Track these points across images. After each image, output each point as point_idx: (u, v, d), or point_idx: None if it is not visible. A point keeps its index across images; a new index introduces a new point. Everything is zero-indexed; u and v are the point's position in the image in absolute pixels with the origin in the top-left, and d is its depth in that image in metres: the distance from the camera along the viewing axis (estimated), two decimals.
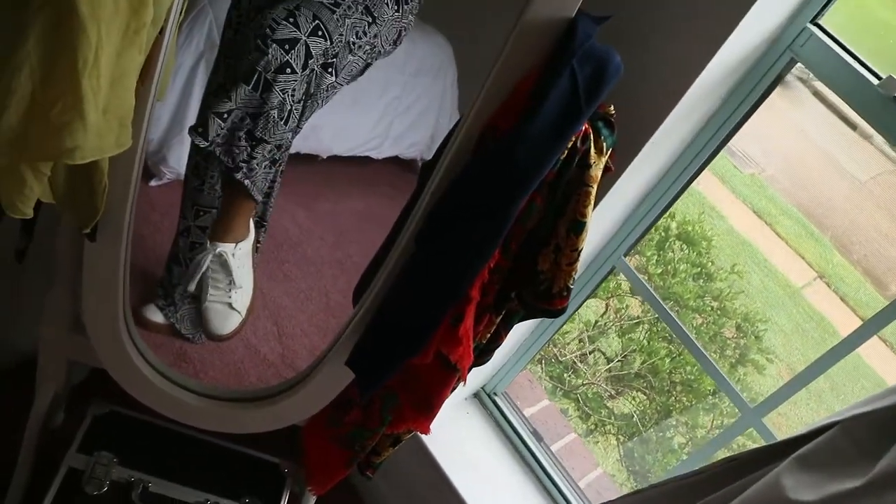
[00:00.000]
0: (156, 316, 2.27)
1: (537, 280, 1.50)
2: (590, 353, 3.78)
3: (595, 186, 1.42)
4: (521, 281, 1.52)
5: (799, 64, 1.67)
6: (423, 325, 1.47)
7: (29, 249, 1.58)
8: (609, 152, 1.44)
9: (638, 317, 3.65)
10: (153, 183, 2.71)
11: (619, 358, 3.63)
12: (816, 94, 4.26)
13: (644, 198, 1.91)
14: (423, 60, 3.15)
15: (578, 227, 1.43)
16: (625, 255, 2.05)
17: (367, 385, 1.58)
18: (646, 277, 3.71)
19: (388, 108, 3.15)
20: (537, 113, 1.31)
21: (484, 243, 1.39)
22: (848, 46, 1.62)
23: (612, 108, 1.45)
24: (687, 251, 3.78)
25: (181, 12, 1.37)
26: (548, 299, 1.51)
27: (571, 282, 1.49)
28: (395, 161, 3.28)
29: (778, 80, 1.68)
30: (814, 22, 1.64)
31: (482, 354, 1.67)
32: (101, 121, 1.24)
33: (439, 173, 1.43)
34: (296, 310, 2.61)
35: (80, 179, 1.39)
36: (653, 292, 2.20)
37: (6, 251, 1.64)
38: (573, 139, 1.36)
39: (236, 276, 1.89)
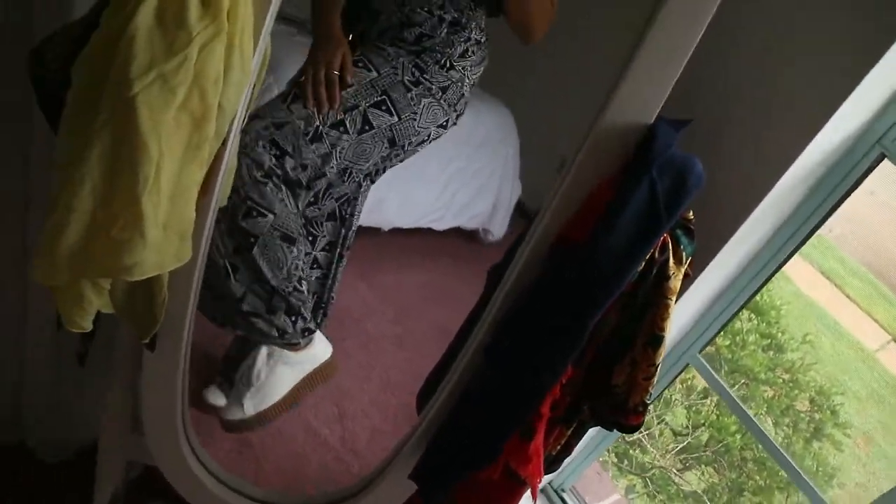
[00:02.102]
0: (218, 399, 2.21)
1: (611, 394, 1.38)
2: (656, 424, 3.61)
3: (674, 298, 1.31)
4: (595, 393, 1.41)
5: None
6: (492, 442, 1.37)
7: (90, 352, 1.53)
8: (689, 260, 1.33)
9: (706, 389, 3.47)
10: None
11: (686, 431, 3.46)
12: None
13: (721, 294, 1.79)
14: (487, 131, 3.09)
15: (656, 340, 1.32)
16: (700, 352, 1.92)
17: (433, 498, 1.48)
18: (713, 350, 3.54)
19: (451, 179, 3.09)
20: (615, 224, 1.21)
21: (557, 360, 1.29)
22: None
23: (690, 213, 1.34)
24: (756, 321, 3.60)
25: (244, 119, 1.31)
26: (623, 414, 1.39)
27: (648, 396, 1.37)
28: (456, 232, 3.21)
29: (866, 174, 1.56)
30: None
31: (552, 464, 1.56)
32: (160, 236, 1.18)
33: (508, 283, 1.34)
34: (356, 389, 2.53)
35: (139, 291, 1.33)
36: (729, 390, 2.06)
37: (69, 350, 1.60)
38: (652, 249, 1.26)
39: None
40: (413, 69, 1.61)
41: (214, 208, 1.31)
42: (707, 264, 1.57)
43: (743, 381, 3.53)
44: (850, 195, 1.59)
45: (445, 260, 3.25)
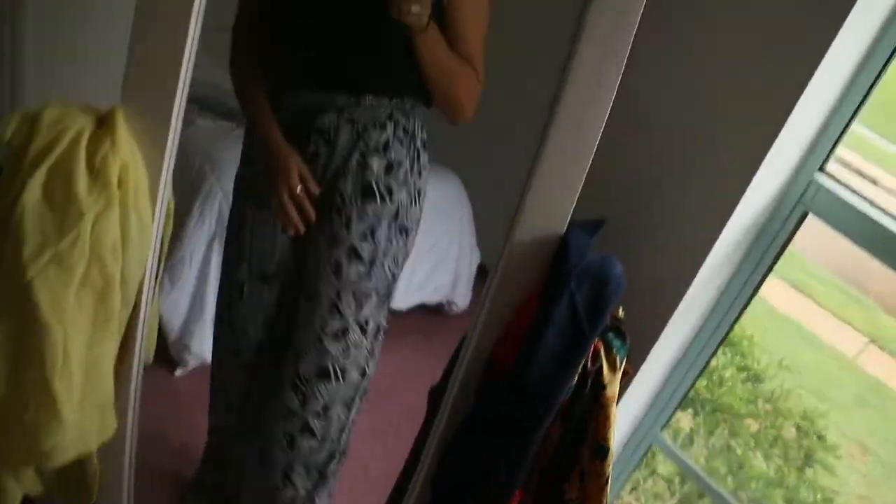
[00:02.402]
0: None
1: None
2: None
3: (614, 406, 1.27)
4: None
5: None
6: None
7: None
8: (624, 362, 1.30)
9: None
10: (178, 373, 2.61)
11: None
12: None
13: (672, 372, 1.76)
14: (437, 202, 3.05)
15: (602, 451, 1.28)
16: (662, 430, 1.89)
17: None
18: (692, 392, 3.50)
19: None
20: (539, 346, 1.18)
21: (504, 487, 1.25)
22: (861, 192, 1.48)
23: (620, 312, 1.31)
24: (730, 355, 3.56)
25: (161, 265, 1.28)
26: None
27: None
28: (420, 308, 3.16)
29: (794, 233, 1.55)
30: (822, 169, 1.51)
31: None
32: (78, 415, 1.14)
33: (446, 412, 1.31)
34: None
35: (68, 468, 1.28)
36: (697, 470, 2.02)
37: None
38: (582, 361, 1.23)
39: None
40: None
41: (139, 370, 1.27)
42: (649, 352, 1.54)
43: (725, 417, 3.48)
44: (780, 256, 1.58)
45: (414, 337, 3.20)
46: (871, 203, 1.48)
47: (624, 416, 1.77)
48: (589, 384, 1.25)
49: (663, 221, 1.51)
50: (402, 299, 3.04)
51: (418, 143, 1.57)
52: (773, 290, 4.71)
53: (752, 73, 1.48)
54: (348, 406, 1.62)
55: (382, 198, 1.53)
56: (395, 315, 3.14)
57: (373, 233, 1.54)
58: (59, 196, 1.05)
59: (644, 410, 1.84)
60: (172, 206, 1.26)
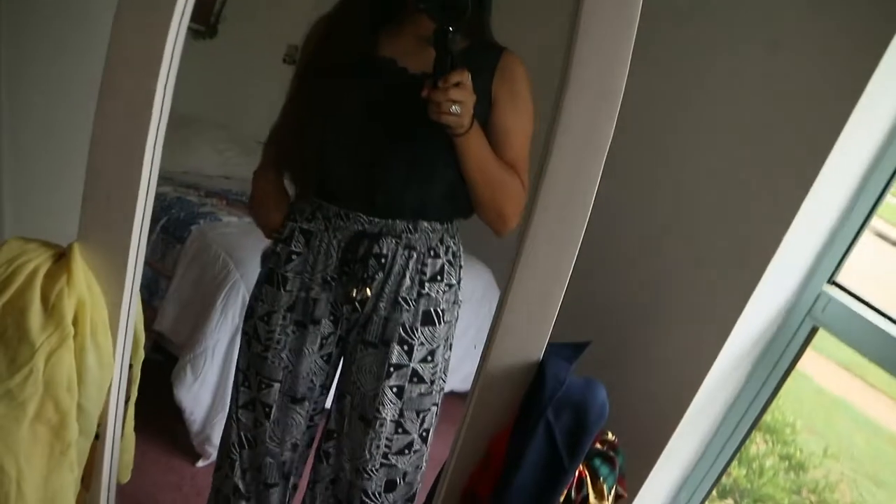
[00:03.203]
0: None
1: None
2: None
3: None
4: None
5: None
6: None
7: None
8: (613, 489, 1.18)
9: None
10: (200, 464, 2.57)
11: None
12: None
13: (681, 488, 1.63)
14: (467, 292, 2.98)
15: None
16: None
17: None
18: (731, 481, 3.29)
19: None
20: (514, 479, 1.08)
21: None
22: (873, 304, 1.35)
23: (609, 434, 1.21)
24: (770, 444, 3.35)
25: (131, 389, 1.23)
26: None
27: None
28: (451, 395, 3.07)
29: (804, 348, 1.42)
30: (832, 281, 1.39)
31: None
32: None
33: None
34: None
35: None
36: None
37: None
38: (564, 492, 1.12)
39: None
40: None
41: (110, 492, 1.21)
42: (649, 474, 1.42)
43: None
44: (790, 373, 1.45)
45: (444, 426, 3.10)
46: (883, 314, 1.35)
47: None
48: None
49: (659, 338, 1.41)
50: None
51: (461, 262, 1.58)
52: (822, 371, 4.47)
53: (749, 185, 1.39)
54: (411, 500, 1.65)
55: (440, 321, 1.52)
56: None
57: (432, 355, 1.54)
58: (11, 333, 1.02)
59: None
60: (141, 332, 1.21)
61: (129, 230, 1.06)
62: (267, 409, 1.61)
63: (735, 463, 3.36)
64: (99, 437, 1.15)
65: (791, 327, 1.41)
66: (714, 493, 3.33)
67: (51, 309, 1.03)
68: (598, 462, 1.18)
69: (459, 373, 3.08)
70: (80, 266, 1.05)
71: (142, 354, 1.23)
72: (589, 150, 1.01)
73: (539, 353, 1.09)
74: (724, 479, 3.17)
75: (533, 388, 1.11)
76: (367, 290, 1.48)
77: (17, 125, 1.51)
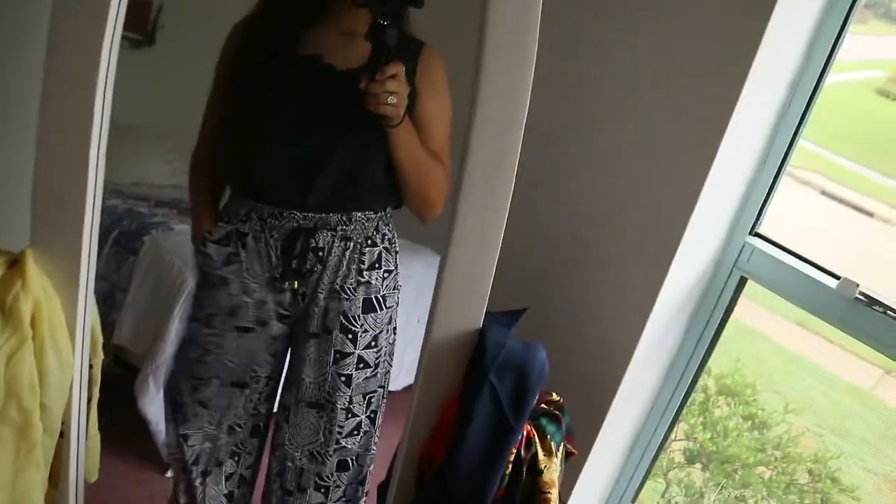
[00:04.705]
0: None
1: None
2: None
3: (555, 490, 1.25)
4: None
5: None
6: None
7: None
8: (562, 445, 1.27)
9: None
10: (169, 474, 2.60)
11: None
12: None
13: (635, 441, 1.72)
14: (422, 284, 3.04)
15: None
16: (632, 501, 1.84)
17: None
18: (697, 446, 3.40)
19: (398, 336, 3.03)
20: (464, 438, 1.16)
21: None
22: (796, 251, 1.45)
23: (553, 395, 1.29)
24: (732, 405, 3.46)
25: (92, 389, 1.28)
26: None
27: None
28: (408, 391, 3.13)
29: (735, 298, 1.52)
30: (754, 233, 1.49)
31: None
32: None
33: None
34: None
35: None
36: None
37: None
38: (514, 450, 1.21)
39: None
40: None
41: (78, 490, 1.27)
42: (599, 430, 1.51)
43: (735, 468, 3.37)
44: (724, 325, 1.55)
45: (403, 422, 3.16)
46: (806, 261, 1.45)
47: (590, 495, 1.72)
48: (524, 471, 1.22)
49: (593, 298, 1.50)
50: (394, 381, 3.01)
51: (397, 247, 1.61)
52: (779, 329, 4.61)
53: (664, 143, 1.48)
54: (363, 482, 1.67)
55: (381, 307, 1.56)
56: (387, 397, 3.11)
57: (376, 340, 1.58)
58: None
59: (611, 485, 1.79)
60: (99, 333, 1.27)
61: (79, 233, 1.12)
62: (202, 403, 1.66)
63: (700, 428, 3.48)
64: (63, 434, 1.20)
65: (720, 279, 1.50)
66: (683, 459, 3.44)
67: (7, 313, 1.08)
68: (544, 421, 1.27)
69: (414, 369, 3.14)
70: (34, 270, 1.11)
71: (101, 355, 1.29)
72: (509, 123, 1.10)
73: (478, 322, 1.17)
74: (691, 444, 3.29)
75: (476, 354, 1.19)
76: (305, 282, 1.55)
77: None
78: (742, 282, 1.52)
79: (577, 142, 1.63)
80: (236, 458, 1.76)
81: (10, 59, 1.61)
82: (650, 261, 1.45)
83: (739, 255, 1.49)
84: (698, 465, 3.44)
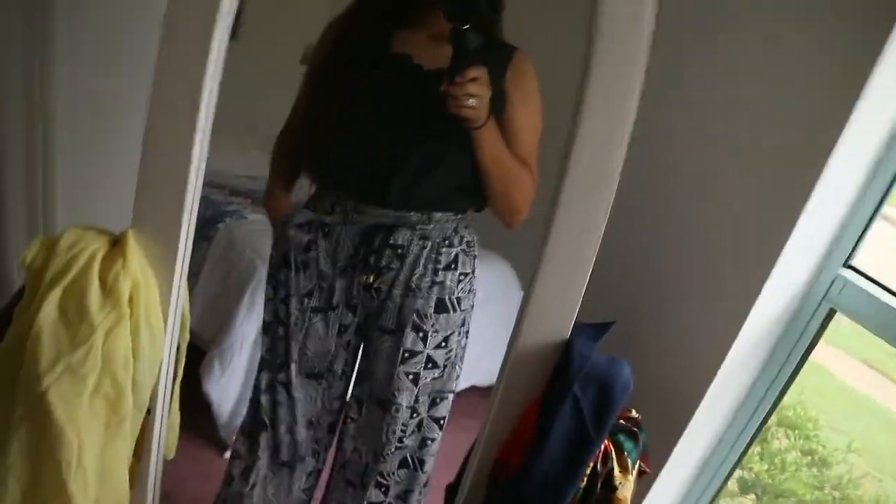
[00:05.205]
0: None
1: None
2: None
3: None
4: None
5: None
6: None
7: None
8: (637, 464, 1.26)
9: None
10: (228, 455, 2.65)
11: None
12: None
13: (704, 465, 1.69)
14: (488, 288, 3.05)
15: None
16: None
17: None
18: (753, 476, 3.33)
19: None
20: (543, 448, 1.16)
21: None
22: (889, 286, 1.41)
23: (633, 412, 1.28)
24: (792, 439, 3.39)
25: (177, 370, 1.32)
26: None
27: None
28: (472, 390, 3.14)
29: (821, 331, 1.48)
30: (847, 265, 1.45)
31: None
32: None
33: None
34: None
35: None
36: None
37: None
38: (590, 464, 1.20)
39: None
40: None
41: (157, 468, 1.30)
42: (671, 452, 1.49)
43: (788, 503, 3.30)
44: (807, 358, 1.52)
45: (465, 422, 3.17)
46: None
47: None
48: (599, 486, 1.21)
49: (679, 320, 1.48)
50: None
51: (476, 251, 1.63)
52: (845, 368, 4.48)
53: (763, 173, 1.46)
54: (423, 483, 1.71)
55: (454, 309, 1.58)
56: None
57: (446, 341, 1.59)
58: (73, 313, 1.10)
59: None
60: (188, 314, 1.30)
61: (179, 217, 1.14)
62: (285, 389, 1.69)
63: (757, 458, 3.41)
64: (151, 411, 1.23)
65: (808, 310, 1.47)
66: (736, 488, 3.38)
67: (108, 291, 1.12)
68: (622, 437, 1.25)
69: (480, 369, 3.15)
70: (135, 251, 1.14)
71: (187, 336, 1.32)
72: (612, 136, 1.09)
73: (566, 332, 1.17)
74: (745, 474, 3.22)
75: (561, 364, 1.18)
76: (382, 277, 1.56)
77: (69, 122, 1.61)
78: (830, 315, 1.49)
79: (677, 157, 1.62)
80: (315, 455, 1.80)
81: (123, 39, 1.67)
82: (740, 284, 1.43)
83: (831, 286, 1.46)
84: (752, 497, 3.37)
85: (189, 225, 1.18)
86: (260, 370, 1.77)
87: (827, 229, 1.46)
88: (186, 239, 1.19)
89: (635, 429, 1.28)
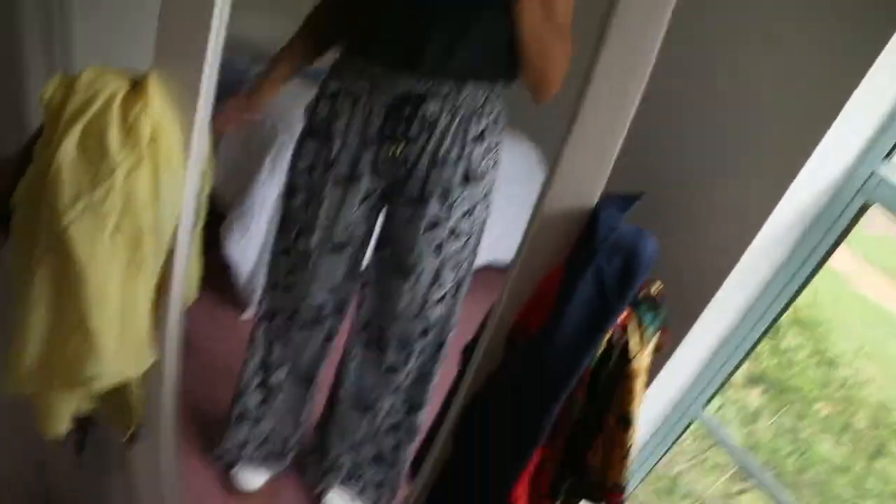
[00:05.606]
0: (252, 479, 2.15)
1: (588, 474, 1.32)
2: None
3: (642, 378, 1.24)
4: (573, 472, 1.35)
5: None
6: None
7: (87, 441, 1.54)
8: (656, 337, 1.26)
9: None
10: (245, 316, 2.70)
11: None
12: None
13: (719, 348, 1.69)
14: (511, 169, 3.02)
15: (625, 422, 1.25)
16: (704, 408, 1.83)
17: None
18: (759, 370, 3.37)
19: None
20: (563, 315, 1.15)
21: (521, 447, 1.24)
22: None
23: (656, 284, 1.27)
24: (803, 338, 3.41)
25: (199, 220, 1.31)
26: (601, 493, 1.33)
27: (624, 480, 1.30)
28: (489, 268, 3.15)
29: (853, 223, 1.45)
30: (888, 158, 1.40)
31: None
32: (116, 348, 1.19)
33: (472, 370, 1.30)
34: None
35: (110, 395, 1.34)
36: (737, 449, 1.95)
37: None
38: (610, 333, 1.19)
39: None
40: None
41: (178, 309, 1.31)
42: (695, 322, 1.48)
43: (794, 399, 3.35)
44: (835, 249, 1.49)
45: (481, 294, 3.21)
46: None
47: (666, 390, 1.72)
48: (615, 356, 1.22)
49: (709, 199, 1.44)
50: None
51: (503, 125, 1.62)
52: (866, 278, 4.44)
53: (810, 57, 1.39)
54: (441, 348, 1.80)
55: (480, 180, 1.59)
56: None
57: (470, 212, 1.61)
58: (93, 151, 1.09)
59: (687, 386, 1.79)
60: (210, 163, 1.28)
61: (201, 61, 1.11)
62: (307, 255, 1.70)
63: (767, 353, 3.44)
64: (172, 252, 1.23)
65: (842, 200, 1.43)
66: (744, 379, 3.42)
67: (129, 131, 1.09)
68: (643, 307, 1.24)
69: (500, 247, 3.15)
70: (157, 92, 1.11)
71: (208, 187, 1.30)
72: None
73: (594, 199, 1.14)
74: (754, 367, 3.24)
75: (586, 232, 1.16)
76: (409, 148, 1.54)
77: None
78: (863, 209, 1.45)
79: (716, 46, 1.54)
80: (335, 315, 1.82)
81: None
82: (777, 169, 1.39)
83: (866, 182, 1.41)
84: (758, 388, 3.42)
85: (212, 70, 1.15)
86: (279, 236, 1.78)
87: (869, 123, 1.41)
88: (209, 84, 1.15)
89: (658, 300, 1.26)
